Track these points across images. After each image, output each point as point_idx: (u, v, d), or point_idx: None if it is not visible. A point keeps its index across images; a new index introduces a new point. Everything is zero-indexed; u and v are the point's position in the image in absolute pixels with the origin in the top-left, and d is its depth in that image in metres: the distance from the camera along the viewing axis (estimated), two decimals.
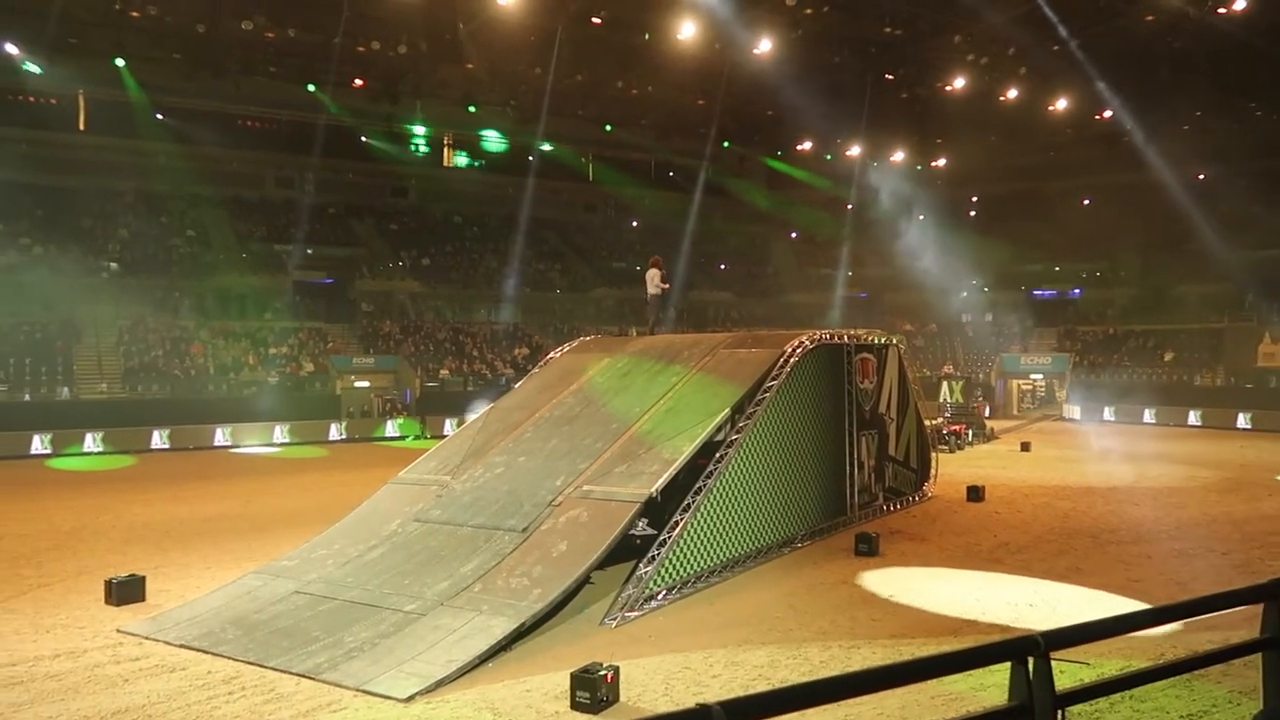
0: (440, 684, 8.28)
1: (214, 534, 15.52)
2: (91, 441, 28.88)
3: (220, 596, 10.83)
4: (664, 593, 10.82)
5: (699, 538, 11.51)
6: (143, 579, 11.39)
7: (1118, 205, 43.42)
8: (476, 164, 48.70)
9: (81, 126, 39.20)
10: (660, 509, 11.49)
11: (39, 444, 28.21)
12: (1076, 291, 48.18)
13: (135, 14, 31.50)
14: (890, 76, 38.93)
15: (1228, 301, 40.97)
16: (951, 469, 20.99)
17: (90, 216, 38.08)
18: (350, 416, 34.38)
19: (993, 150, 44.74)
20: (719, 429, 12.78)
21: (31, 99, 37.65)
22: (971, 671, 5.59)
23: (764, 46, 33.42)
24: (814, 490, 14.48)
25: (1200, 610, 4.39)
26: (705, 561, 11.61)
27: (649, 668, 8.60)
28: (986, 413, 36.70)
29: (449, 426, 30.01)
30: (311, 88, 38.37)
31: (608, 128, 44.84)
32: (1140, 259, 46.28)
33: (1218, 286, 41.02)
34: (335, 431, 33.17)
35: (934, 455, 19.53)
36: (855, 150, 45.36)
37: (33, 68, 34.57)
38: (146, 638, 9.68)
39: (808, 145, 46.19)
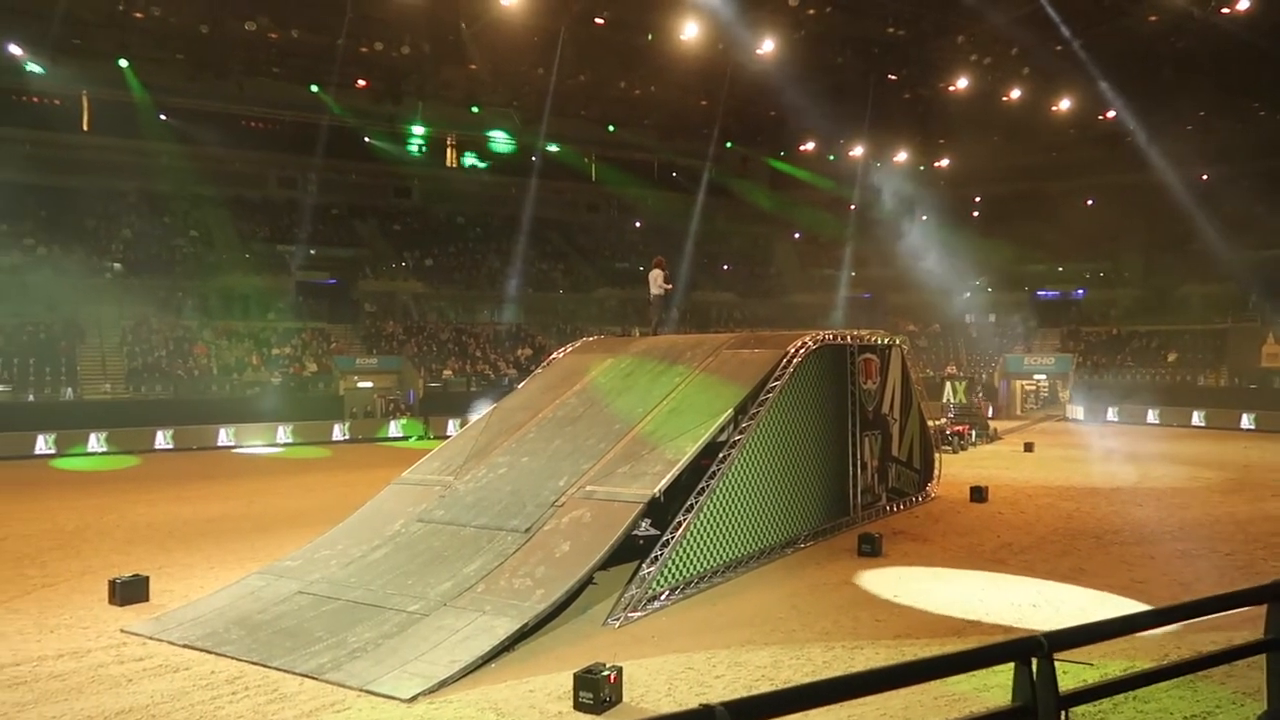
0: (443, 684, 8.28)
1: (217, 534, 15.54)
2: (95, 442, 28.93)
3: (224, 597, 10.84)
4: (667, 593, 10.82)
5: (702, 538, 11.51)
6: (146, 579, 11.41)
7: (1121, 205, 43.37)
8: (480, 164, 48.71)
9: (85, 127, 39.25)
10: (663, 509, 11.49)
11: (43, 444, 28.26)
12: (1080, 292, 48.12)
13: (139, 15, 31.53)
14: (893, 77, 38.89)
15: (1231, 302, 40.91)
16: (955, 469, 20.99)
17: (94, 217, 38.15)
18: (353, 417, 34.42)
19: (996, 150, 44.70)
20: (722, 429, 12.78)
21: (35, 100, 37.72)
22: (975, 672, 5.59)
23: (767, 47, 33.39)
24: (817, 491, 14.47)
25: (1204, 611, 4.38)
26: (708, 562, 11.61)
27: (652, 668, 8.60)
28: (990, 413, 36.66)
29: (452, 427, 30.03)
30: (314, 88, 38.39)
31: (611, 128, 44.85)
32: (1144, 259, 46.24)
33: (1221, 287, 40.97)
34: (338, 432, 33.20)
35: (937, 456, 19.50)
36: (858, 151, 45.32)
37: (36, 68, 34.63)
38: (150, 638, 9.69)
39: (810, 146, 46.14)
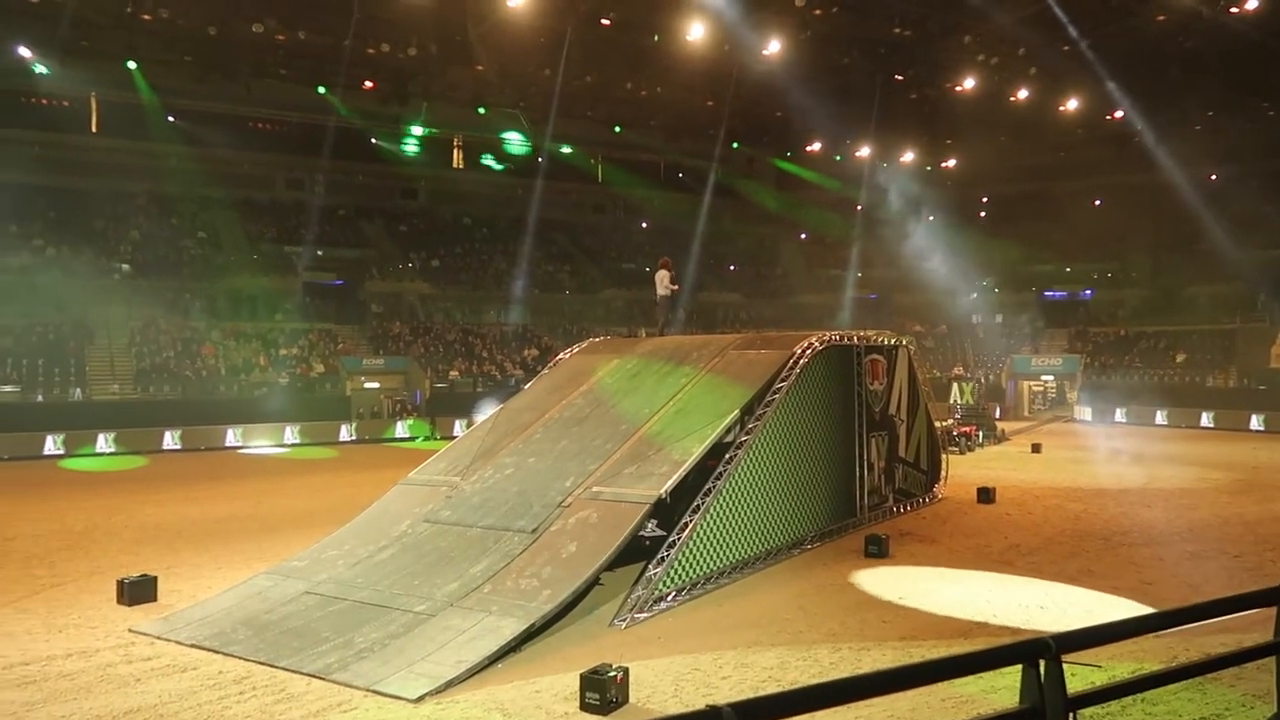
0: (450, 685, 8.29)
1: (225, 534, 15.58)
2: (104, 442, 29.03)
3: (231, 597, 10.87)
4: (673, 594, 10.81)
5: (708, 539, 11.50)
6: (154, 579, 11.44)
7: (1129, 206, 43.24)
8: (486, 166, 48.77)
9: (94, 129, 39.39)
10: (669, 510, 11.48)
11: (52, 445, 28.37)
12: (1087, 292, 48.00)
13: (147, 17, 31.65)
14: (900, 77, 38.87)
15: (1240, 302, 40.75)
16: (962, 470, 20.94)
17: (102, 218, 38.30)
18: (360, 417, 34.49)
19: (1003, 151, 44.62)
20: (728, 430, 12.77)
21: (44, 101, 37.87)
22: (982, 674, 5.58)
23: (773, 48, 33.39)
24: (823, 492, 14.45)
25: (1213, 613, 4.36)
26: (715, 563, 11.60)
27: (658, 669, 8.60)
28: (997, 414, 36.58)
29: (458, 427, 30.08)
30: (322, 90, 38.51)
31: (617, 129, 44.90)
32: (1151, 259, 46.10)
33: (1229, 287, 40.82)
34: (345, 432, 33.27)
35: (944, 457, 19.46)
36: (864, 151, 45.29)
37: (45, 70, 34.78)
38: (158, 637, 9.72)
39: (817, 146, 46.12)
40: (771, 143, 48.32)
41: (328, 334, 38.49)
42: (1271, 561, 12.84)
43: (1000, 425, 33.20)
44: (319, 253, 41.34)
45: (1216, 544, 14.03)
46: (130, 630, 10.00)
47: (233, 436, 31.04)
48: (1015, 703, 3.48)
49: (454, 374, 37.63)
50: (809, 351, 14.32)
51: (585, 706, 7.62)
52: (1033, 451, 27.29)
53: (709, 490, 11.70)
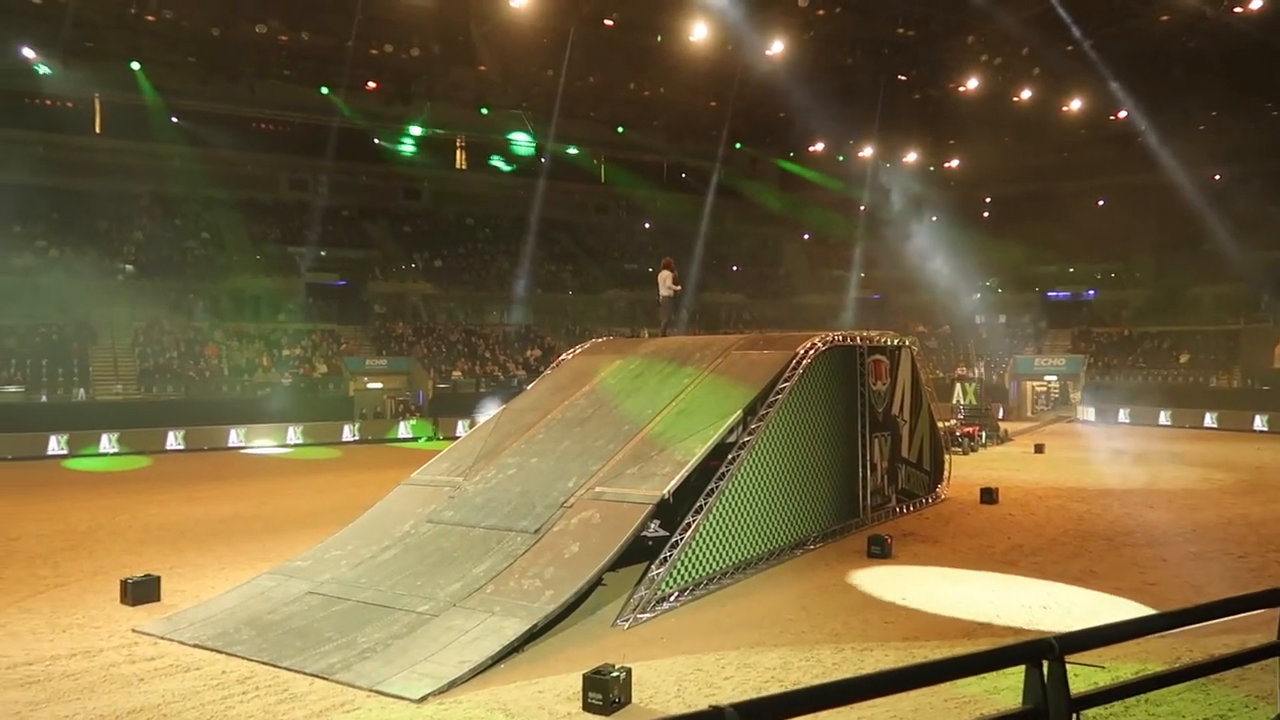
0: (453, 685, 8.30)
1: (228, 534, 15.60)
2: (107, 442, 29.08)
3: (234, 597, 10.88)
4: (676, 594, 10.81)
5: (711, 539, 11.50)
6: (158, 579, 11.46)
7: (1132, 206, 43.20)
8: (489, 166, 48.81)
9: (97, 130, 39.48)
10: (672, 510, 11.48)
11: (55, 445, 28.42)
12: (1091, 293, 47.93)
13: (150, 18, 31.72)
14: (903, 77, 38.85)
15: (1243, 303, 40.69)
16: (965, 471, 20.91)
17: (106, 219, 38.37)
18: (363, 418, 34.53)
19: (1006, 151, 44.57)
20: (731, 430, 12.77)
21: (48, 102, 37.94)
22: (985, 675, 5.58)
23: (776, 48, 33.38)
24: (826, 492, 14.45)
25: (1216, 614, 4.36)
26: (717, 563, 11.60)
27: (661, 669, 8.60)
28: (1000, 414, 36.55)
29: (461, 428, 30.11)
30: (325, 91, 38.57)
31: (620, 129, 44.90)
32: (1155, 260, 46.04)
33: (1233, 287, 40.76)
34: (348, 433, 33.31)
35: (947, 457, 19.45)
36: (868, 151, 45.25)
37: (49, 71, 34.85)
38: (161, 637, 9.73)
39: (820, 146, 46.10)
40: (774, 143, 48.31)
41: (331, 334, 38.54)
42: (1275, 562, 12.82)
43: (1003, 426, 33.16)
44: (322, 253, 41.39)
45: (1220, 545, 14.01)
46: (134, 630, 10.02)
47: (236, 437, 31.08)
48: (1019, 703, 3.49)
49: (457, 374, 37.65)
50: (812, 352, 14.31)
51: (588, 707, 7.62)
52: (1036, 452, 27.27)
53: (712, 491, 11.69)
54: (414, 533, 11.97)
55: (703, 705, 2.74)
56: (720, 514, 11.69)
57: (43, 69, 34.75)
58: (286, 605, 10.42)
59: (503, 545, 11.03)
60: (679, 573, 10.90)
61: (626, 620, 10.11)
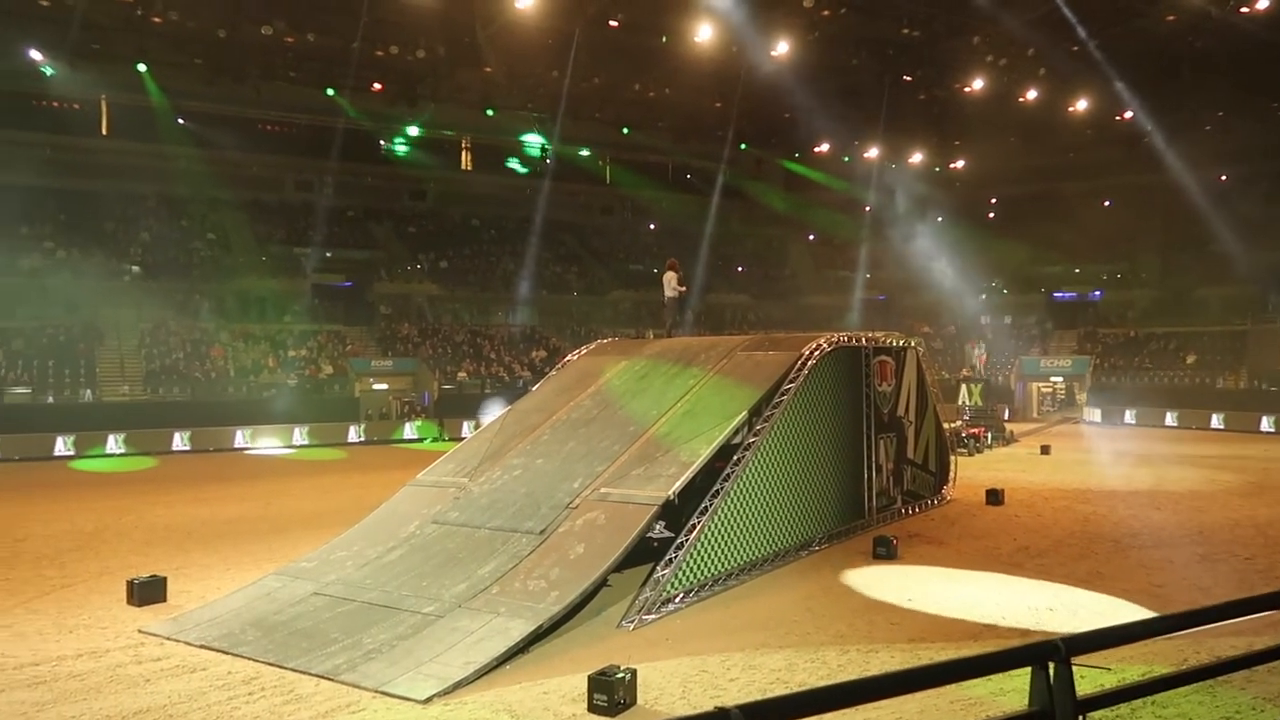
0: (458, 686, 8.30)
1: (234, 535, 15.63)
2: (113, 443, 29.17)
3: (240, 598, 10.89)
4: (681, 595, 10.81)
5: (716, 541, 11.49)
6: (164, 580, 11.48)
7: (1138, 206, 43.11)
8: (495, 167, 48.86)
9: (104, 131, 39.64)
10: (677, 512, 11.47)
11: (62, 446, 28.51)
12: (1097, 293, 47.82)
13: (157, 19, 31.83)
14: (908, 78, 38.81)
15: (1250, 303, 40.59)
16: (970, 472, 20.88)
17: (112, 220, 38.50)
18: (369, 419, 34.59)
19: (1011, 151, 44.52)
20: (736, 431, 12.75)
21: (55, 104, 38.12)
22: (991, 676, 5.56)
23: (781, 49, 33.38)
24: (832, 493, 14.42)
25: (1223, 616, 4.35)
26: (722, 564, 11.59)
27: (666, 670, 8.59)
28: (1006, 415, 36.50)
29: (467, 429, 30.13)
30: (330, 92, 38.66)
31: (625, 130, 44.93)
32: (1161, 260, 45.94)
33: (1240, 288, 40.65)
34: (354, 433, 33.36)
35: (953, 458, 19.42)
36: (873, 152, 45.23)
37: (55, 73, 34.97)
38: (167, 638, 9.75)
39: (825, 147, 46.07)
40: (779, 144, 48.33)
41: (336, 335, 38.60)
42: None
43: (1009, 427, 33.12)
44: (328, 254, 41.50)
45: (1227, 546, 13.96)
46: (140, 631, 10.04)
47: (242, 438, 31.16)
48: (1025, 705, 3.48)
49: (462, 375, 37.69)
50: (817, 353, 14.29)
51: (593, 708, 7.61)
52: (1041, 453, 27.21)
53: (717, 492, 11.68)
54: (419, 534, 11.97)
55: (708, 707, 2.73)
56: (725, 515, 11.68)
57: (50, 71, 34.89)
58: (292, 606, 10.44)
59: (508, 546, 11.03)
60: (684, 574, 10.89)
61: (632, 621, 10.11)
